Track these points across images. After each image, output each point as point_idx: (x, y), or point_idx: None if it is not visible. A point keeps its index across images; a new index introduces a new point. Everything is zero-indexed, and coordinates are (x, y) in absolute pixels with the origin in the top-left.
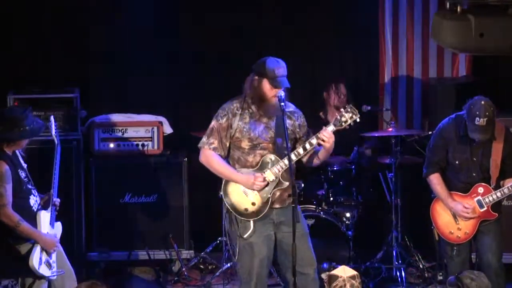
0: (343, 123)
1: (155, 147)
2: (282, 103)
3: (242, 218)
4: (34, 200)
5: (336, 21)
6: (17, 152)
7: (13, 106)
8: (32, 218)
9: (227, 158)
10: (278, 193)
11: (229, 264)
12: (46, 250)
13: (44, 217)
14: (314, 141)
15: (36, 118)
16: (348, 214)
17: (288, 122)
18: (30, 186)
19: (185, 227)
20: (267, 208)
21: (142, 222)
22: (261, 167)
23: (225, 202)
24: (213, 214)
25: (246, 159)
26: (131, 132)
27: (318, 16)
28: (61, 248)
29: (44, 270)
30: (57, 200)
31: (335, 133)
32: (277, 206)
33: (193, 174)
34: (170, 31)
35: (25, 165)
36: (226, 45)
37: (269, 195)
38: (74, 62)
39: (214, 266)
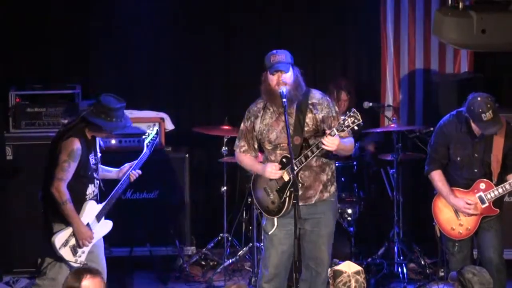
0: (345, 128)
1: None
2: (284, 99)
3: (266, 215)
4: (91, 190)
5: (338, 17)
6: (96, 138)
7: (112, 95)
8: (80, 205)
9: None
10: (300, 192)
11: (230, 261)
12: (77, 239)
13: (91, 208)
14: (314, 149)
15: (126, 116)
16: (349, 211)
17: (309, 116)
18: (95, 175)
19: (187, 223)
20: (285, 207)
21: (143, 218)
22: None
23: (253, 198)
24: (214, 210)
25: (269, 159)
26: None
27: (319, 13)
28: (101, 247)
29: (65, 253)
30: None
31: None
32: (300, 203)
33: (194, 170)
34: (172, 28)
35: (99, 154)
36: (227, 42)
37: (285, 195)
38: (76, 58)
39: (215, 263)
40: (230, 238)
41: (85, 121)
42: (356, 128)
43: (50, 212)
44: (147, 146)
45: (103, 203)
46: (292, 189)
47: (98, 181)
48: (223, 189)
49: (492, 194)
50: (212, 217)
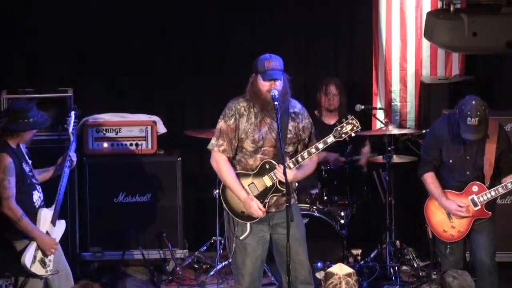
0: (343, 135)
1: (149, 146)
2: (276, 102)
3: (239, 220)
4: (37, 196)
5: (330, 20)
6: (21, 146)
7: (19, 99)
8: (33, 214)
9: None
10: (274, 198)
11: (223, 264)
12: (42, 250)
13: (45, 215)
14: (313, 150)
15: (42, 111)
16: (342, 213)
17: (291, 124)
18: (34, 181)
19: (179, 226)
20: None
21: (136, 221)
22: (260, 171)
23: (223, 203)
24: (207, 213)
25: (247, 162)
26: (124, 132)
27: (312, 15)
28: (59, 248)
29: (36, 269)
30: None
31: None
32: (273, 210)
33: (187, 173)
34: (165, 31)
35: (30, 161)
36: (220, 44)
37: (266, 200)
38: (68, 62)
39: (208, 266)
40: (222, 241)
41: (5, 132)
42: (353, 135)
43: (7, 232)
44: (73, 134)
45: (53, 206)
46: (275, 193)
47: (39, 186)
48: (215, 192)
49: (485, 197)
50: (205, 220)
